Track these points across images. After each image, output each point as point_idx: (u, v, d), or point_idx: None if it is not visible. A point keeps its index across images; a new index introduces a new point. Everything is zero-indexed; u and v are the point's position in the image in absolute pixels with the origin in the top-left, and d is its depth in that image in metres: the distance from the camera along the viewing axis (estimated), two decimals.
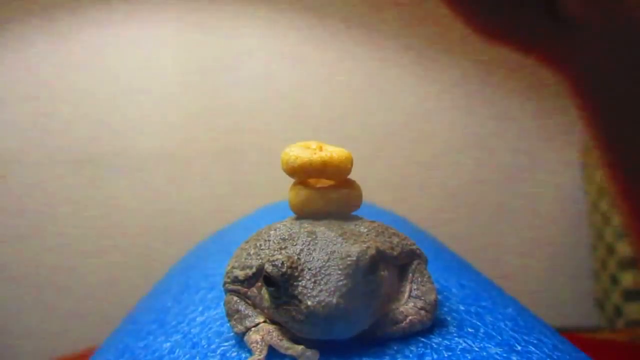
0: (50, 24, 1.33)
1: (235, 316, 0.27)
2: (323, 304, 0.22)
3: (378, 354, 0.24)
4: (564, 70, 0.46)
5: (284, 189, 0.31)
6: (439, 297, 0.29)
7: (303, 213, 0.30)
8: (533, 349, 0.26)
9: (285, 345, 0.24)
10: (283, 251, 0.25)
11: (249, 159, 1.39)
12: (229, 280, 0.28)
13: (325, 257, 0.24)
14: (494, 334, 0.27)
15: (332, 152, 0.29)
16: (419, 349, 0.25)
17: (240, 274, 0.28)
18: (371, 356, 0.24)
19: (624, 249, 1.25)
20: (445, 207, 1.42)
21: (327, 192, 0.30)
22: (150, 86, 1.37)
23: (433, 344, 0.25)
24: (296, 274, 0.24)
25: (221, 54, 1.38)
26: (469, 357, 0.24)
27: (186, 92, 1.38)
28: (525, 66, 1.35)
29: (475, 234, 1.42)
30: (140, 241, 1.36)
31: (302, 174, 0.29)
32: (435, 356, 0.24)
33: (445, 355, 0.24)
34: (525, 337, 0.28)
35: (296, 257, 0.24)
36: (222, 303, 0.30)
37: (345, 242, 0.25)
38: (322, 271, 0.24)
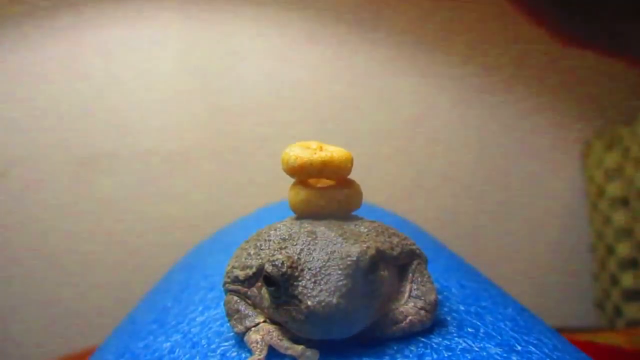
0: (51, 24, 1.33)
1: (235, 316, 0.27)
2: (323, 303, 0.22)
3: (378, 354, 0.24)
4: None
5: (284, 189, 0.31)
6: (439, 297, 0.29)
7: (303, 213, 0.30)
8: (533, 349, 0.26)
9: (285, 345, 0.24)
10: (283, 251, 0.25)
11: (249, 159, 1.39)
12: (229, 280, 0.28)
13: (325, 257, 0.24)
14: (494, 334, 0.27)
15: (332, 152, 0.29)
16: (419, 349, 0.25)
17: (240, 274, 0.28)
18: (371, 356, 0.24)
19: (624, 249, 1.25)
20: (445, 207, 1.42)
21: (327, 192, 0.30)
22: (150, 86, 1.37)
23: (433, 344, 0.25)
24: (296, 274, 0.24)
25: (221, 54, 1.38)
26: (469, 357, 0.24)
27: (186, 92, 1.38)
28: (525, 67, 1.35)
29: (475, 234, 1.42)
30: (140, 241, 1.36)
31: (302, 174, 0.29)
32: (435, 356, 0.24)
33: (445, 355, 0.24)
34: (525, 337, 0.28)
35: (296, 257, 0.24)
36: (222, 303, 0.30)
37: (345, 242, 0.25)
38: (322, 271, 0.24)
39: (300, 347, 0.24)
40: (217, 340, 0.28)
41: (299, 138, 0.33)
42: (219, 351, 0.27)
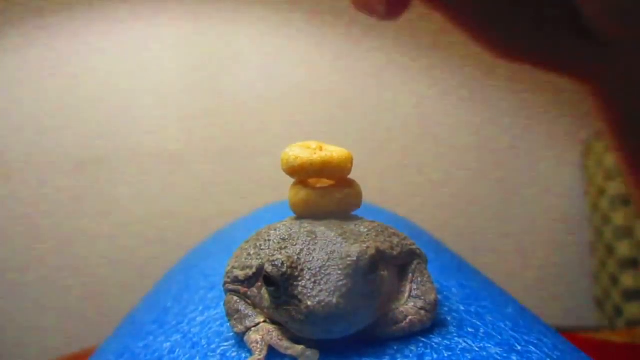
0: (51, 25, 1.33)
1: (235, 316, 0.27)
2: (323, 303, 0.22)
3: (378, 354, 0.24)
4: (593, 87, 0.46)
5: (284, 189, 0.31)
6: (439, 297, 0.29)
7: (303, 213, 0.30)
8: (533, 348, 0.26)
9: (285, 345, 0.24)
10: (283, 251, 0.25)
11: (249, 159, 1.39)
12: (229, 280, 0.28)
13: (325, 257, 0.24)
14: (494, 333, 0.27)
15: (332, 152, 0.29)
16: (419, 349, 0.25)
17: (240, 274, 0.28)
18: (371, 356, 0.24)
19: (624, 249, 1.25)
20: (445, 207, 1.42)
21: (327, 192, 0.30)
22: (150, 86, 1.37)
23: (433, 344, 0.25)
24: (296, 274, 0.24)
25: (221, 54, 1.38)
26: (469, 357, 0.24)
27: (186, 92, 1.38)
28: (525, 67, 1.35)
29: (475, 234, 1.42)
30: (141, 241, 1.36)
31: (302, 174, 0.29)
32: (435, 356, 0.24)
33: (445, 355, 0.24)
34: (525, 337, 0.28)
35: (296, 257, 0.24)
36: (222, 303, 0.30)
37: (345, 242, 0.25)
38: (322, 271, 0.24)
39: (300, 347, 0.24)
40: (217, 340, 0.28)
41: (299, 138, 0.33)
42: (219, 351, 0.27)
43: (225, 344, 0.27)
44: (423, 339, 0.26)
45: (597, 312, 1.42)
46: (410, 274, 0.28)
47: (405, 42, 1.40)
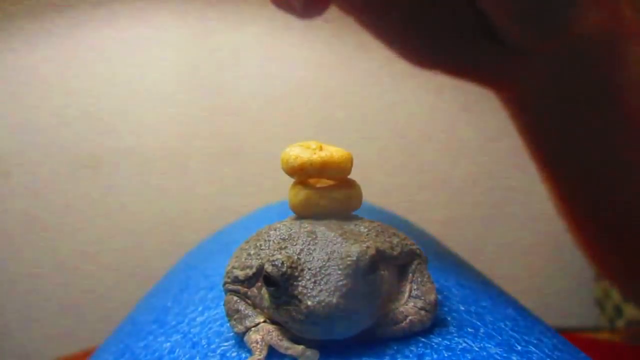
0: (52, 25, 1.33)
1: (235, 316, 0.27)
2: (323, 303, 0.22)
3: (378, 354, 0.24)
4: (505, 93, 0.47)
5: (284, 189, 0.31)
6: (439, 297, 0.29)
7: (303, 213, 0.30)
8: (533, 349, 0.26)
9: (285, 345, 0.24)
10: (283, 251, 0.25)
11: (249, 159, 1.39)
12: (228, 280, 0.28)
13: (325, 257, 0.24)
14: (494, 333, 0.27)
15: (332, 152, 0.29)
16: (419, 349, 0.25)
17: (240, 274, 0.28)
18: (371, 356, 0.24)
19: None
20: (445, 207, 1.42)
21: (327, 192, 0.30)
22: (150, 86, 1.37)
23: (433, 344, 0.25)
24: (296, 273, 0.24)
25: (221, 54, 1.38)
26: (469, 357, 0.24)
27: (186, 92, 1.38)
28: None
29: (475, 233, 1.42)
30: (141, 241, 1.36)
31: (302, 174, 0.29)
32: (435, 356, 0.24)
33: (445, 355, 0.24)
34: (526, 337, 0.28)
35: (296, 257, 0.24)
36: (222, 303, 0.30)
37: (345, 242, 0.25)
38: (322, 271, 0.24)
39: (300, 347, 0.24)
40: (217, 340, 0.28)
41: (299, 138, 0.33)
42: (219, 351, 0.27)
43: (225, 344, 0.27)
44: (423, 339, 0.26)
45: (597, 312, 1.41)
46: (410, 274, 0.28)
47: None
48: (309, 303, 0.23)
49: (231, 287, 0.28)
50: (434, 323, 0.27)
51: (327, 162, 0.28)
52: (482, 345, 0.26)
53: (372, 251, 0.25)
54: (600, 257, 0.60)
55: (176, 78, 1.37)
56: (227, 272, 0.29)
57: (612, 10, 0.37)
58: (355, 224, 0.29)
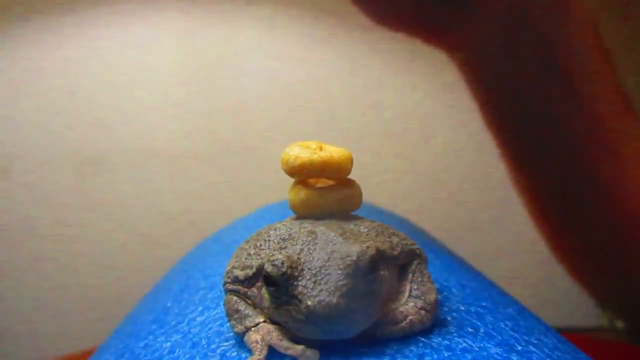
0: (51, 24, 1.33)
1: (235, 316, 0.27)
2: (323, 303, 0.22)
3: (378, 354, 0.24)
4: (455, 52, 0.48)
5: (284, 189, 0.31)
6: (439, 297, 0.29)
7: (303, 213, 0.30)
8: (533, 348, 0.26)
9: (285, 345, 0.24)
10: (283, 251, 0.25)
11: (249, 159, 1.39)
12: (229, 280, 0.28)
13: (325, 256, 0.24)
14: (494, 333, 0.27)
15: (332, 152, 0.29)
16: (419, 349, 0.25)
17: (240, 274, 0.28)
18: (371, 356, 0.24)
19: None
20: (445, 207, 1.42)
21: (327, 192, 0.30)
22: (150, 86, 1.37)
23: (433, 344, 0.25)
24: (296, 273, 0.24)
25: (221, 54, 1.38)
26: (469, 357, 0.24)
27: (186, 92, 1.38)
28: None
29: (475, 234, 1.42)
30: (141, 241, 1.36)
31: (302, 174, 0.29)
32: (435, 356, 0.24)
33: (445, 355, 0.24)
34: (526, 337, 0.28)
35: (296, 257, 0.24)
36: (222, 303, 0.30)
37: (345, 242, 0.25)
38: (322, 271, 0.24)
39: (300, 347, 0.24)
40: (217, 340, 0.28)
41: (299, 138, 0.33)
42: (219, 351, 0.27)
43: (225, 344, 0.27)
44: (423, 339, 0.26)
45: (597, 312, 1.42)
46: (410, 274, 0.28)
47: (405, 43, 1.40)
48: (309, 303, 0.23)
49: (231, 287, 0.28)
50: (434, 323, 0.27)
51: (327, 162, 0.28)
52: (482, 345, 0.26)
53: (372, 251, 0.25)
54: (551, 234, 0.62)
55: (176, 78, 1.37)
56: (227, 272, 0.29)
57: None
58: (355, 224, 0.29)
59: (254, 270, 0.27)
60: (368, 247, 0.25)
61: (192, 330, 0.30)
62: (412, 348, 0.25)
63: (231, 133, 1.39)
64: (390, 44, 1.40)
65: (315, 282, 0.23)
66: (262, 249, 0.28)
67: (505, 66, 0.44)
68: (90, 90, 1.35)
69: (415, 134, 1.42)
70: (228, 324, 0.28)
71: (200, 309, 0.33)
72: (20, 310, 1.35)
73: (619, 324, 1.26)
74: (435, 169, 1.42)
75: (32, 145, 1.34)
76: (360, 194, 0.31)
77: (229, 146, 1.39)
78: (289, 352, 0.24)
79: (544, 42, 0.41)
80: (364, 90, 1.42)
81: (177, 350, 0.28)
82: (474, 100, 0.50)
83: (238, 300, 0.27)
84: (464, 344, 0.26)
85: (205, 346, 0.27)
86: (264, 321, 0.26)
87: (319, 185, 0.30)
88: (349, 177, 0.31)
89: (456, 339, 0.26)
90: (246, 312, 0.27)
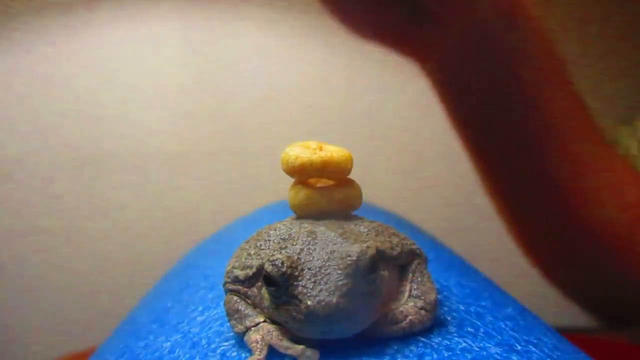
0: (51, 25, 1.33)
1: (235, 316, 0.27)
2: (323, 303, 0.22)
3: (378, 353, 0.24)
4: (426, 64, 0.50)
5: (284, 189, 0.31)
6: (439, 296, 0.29)
7: (303, 213, 0.30)
8: (533, 348, 0.26)
9: (285, 345, 0.24)
10: (283, 251, 0.25)
11: (249, 159, 1.39)
12: (229, 280, 0.28)
13: (325, 256, 0.24)
14: (494, 333, 0.27)
15: (332, 152, 0.29)
16: (419, 348, 0.25)
17: (240, 273, 0.28)
18: (371, 356, 0.24)
19: None
20: (445, 207, 1.42)
21: (327, 192, 0.30)
22: (150, 86, 1.37)
23: (433, 344, 0.25)
24: (296, 273, 0.24)
25: (221, 54, 1.38)
26: (469, 357, 0.24)
27: (186, 92, 1.38)
28: None
29: (475, 233, 1.42)
30: (140, 241, 1.36)
31: (302, 174, 0.29)
32: (435, 356, 0.24)
33: (445, 355, 0.24)
34: (526, 337, 0.28)
35: (296, 257, 0.24)
36: (222, 303, 0.30)
37: (345, 242, 0.25)
38: (322, 271, 0.24)
39: (300, 347, 0.24)
40: (217, 340, 0.28)
41: (299, 138, 0.33)
42: (219, 351, 0.27)
43: (225, 343, 0.27)
44: (423, 339, 0.26)
45: None
46: (410, 274, 0.28)
47: None
48: (309, 303, 0.23)
49: (231, 287, 0.28)
50: (434, 323, 0.27)
51: (327, 162, 0.28)
52: (482, 345, 0.26)
53: (372, 251, 0.25)
54: (521, 239, 0.64)
55: (176, 78, 1.37)
56: (227, 272, 0.29)
57: None
58: (355, 224, 0.29)
59: (254, 270, 0.27)
60: (368, 247, 0.25)
61: (192, 330, 0.30)
62: (412, 348, 0.25)
63: (231, 133, 1.39)
64: None
65: (315, 282, 0.23)
66: (262, 249, 0.28)
67: (467, 75, 0.46)
68: (91, 91, 1.35)
69: (416, 134, 1.42)
70: (228, 324, 0.28)
71: (200, 308, 0.33)
72: (20, 310, 1.35)
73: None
74: (436, 169, 1.42)
75: (32, 146, 1.34)
76: (360, 194, 0.31)
77: (229, 146, 1.39)
78: (289, 352, 0.24)
79: (502, 51, 0.43)
80: (364, 91, 1.42)
81: (177, 350, 0.28)
82: (442, 108, 0.53)
83: (238, 300, 0.27)
84: (464, 344, 0.26)
85: (205, 346, 0.27)
86: (264, 321, 0.26)
87: (319, 185, 0.30)
88: (349, 177, 0.31)
89: (456, 338, 0.26)
90: (246, 312, 0.27)
